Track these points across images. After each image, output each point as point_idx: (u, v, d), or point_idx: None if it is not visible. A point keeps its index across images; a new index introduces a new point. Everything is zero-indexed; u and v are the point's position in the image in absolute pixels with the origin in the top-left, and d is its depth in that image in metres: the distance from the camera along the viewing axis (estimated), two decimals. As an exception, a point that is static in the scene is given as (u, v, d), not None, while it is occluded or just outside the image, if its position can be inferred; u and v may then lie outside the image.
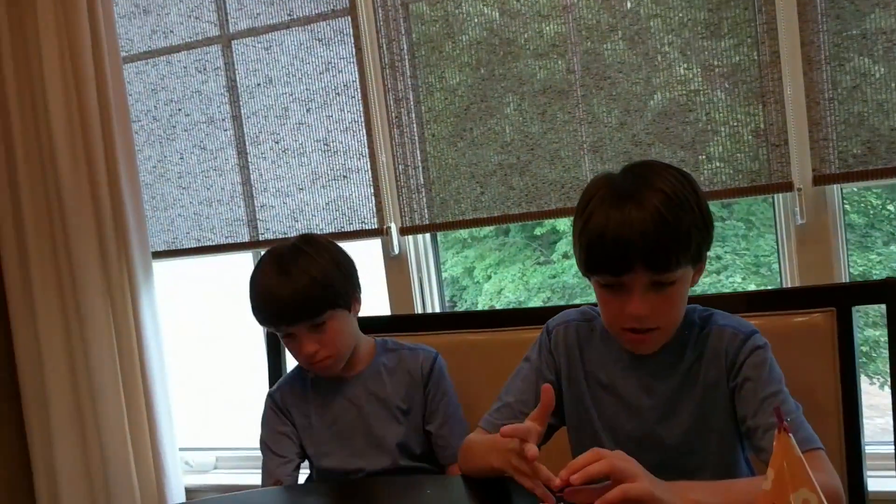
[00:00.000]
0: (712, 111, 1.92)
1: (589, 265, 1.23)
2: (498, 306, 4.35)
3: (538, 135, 2.08)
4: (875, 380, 3.75)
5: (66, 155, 2.39)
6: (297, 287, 1.49)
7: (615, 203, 1.20)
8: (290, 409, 1.64)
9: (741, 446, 1.33)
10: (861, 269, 4.03)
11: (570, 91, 2.04)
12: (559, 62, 2.05)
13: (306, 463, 1.68)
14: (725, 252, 4.15)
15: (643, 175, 1.23)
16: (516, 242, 4.69)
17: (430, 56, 2.18)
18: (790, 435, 0.71)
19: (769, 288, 3.18)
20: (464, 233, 4.27)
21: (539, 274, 4.54)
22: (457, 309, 4.65)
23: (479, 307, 4.39)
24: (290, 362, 1.72)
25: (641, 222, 1.17)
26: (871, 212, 4.04)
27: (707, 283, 3.87)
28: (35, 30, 2.37)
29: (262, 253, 1.61)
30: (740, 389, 1.26)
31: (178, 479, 2.49)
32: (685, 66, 1.94)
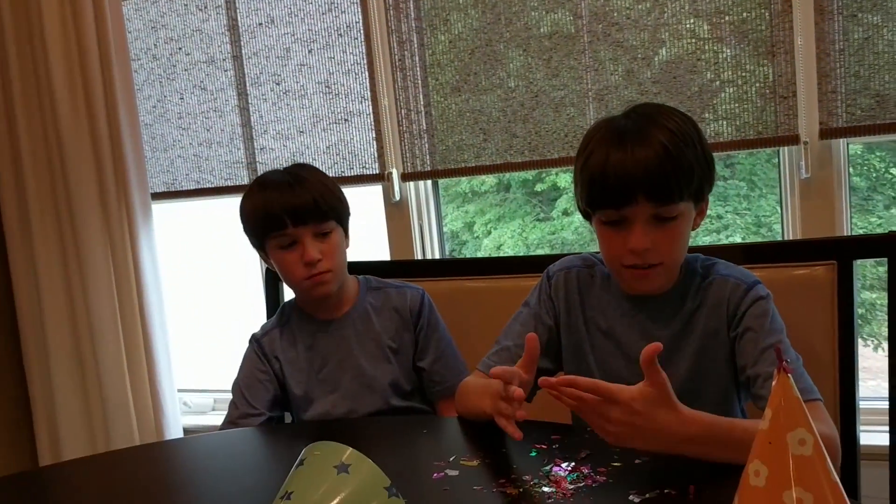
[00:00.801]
0: (721, 62, 1.89)
1: (590, 201, 1.24)
2: (497, 258, 4.32)
3: (542, 82, 2.05)
4: (869, 342, 3.76)
5: (65, 94, 2.36)
6: (311, 188, 1.52)
7: (617, 141, 1.21)
8: (277, 356, 1.61)
9: (738, 397, 1.34)
10: (861, 231, 4.02)
11: (577, 37, 2.00)
12: (566, 8, 2.01)
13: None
14: (727, 211, 4.15)
15: (647, 114, 1.24)
16: (517, 198, 4.69)
17: (436, -2, 2.13)
18: (789, 376, 0.70)
19: (770, 240, 3.18)
20: (464, 187, 4.24)
21: (539, 230, 4.54)
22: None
23: (480, 261, 4.39)
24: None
25: (644, 155, 1.18)
26: (874, 175, 4.02)
27: (707, 242, 3.87)
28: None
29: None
30: (741, 339, 1.26)
31: (177, 420, 2.51)
32: (693, 15, 1.90)
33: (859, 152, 3.65)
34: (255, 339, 1.64)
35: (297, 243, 1.52)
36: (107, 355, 2.44)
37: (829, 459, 0.70)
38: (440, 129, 2.18)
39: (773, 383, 0.71)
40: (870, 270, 3.68)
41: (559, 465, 1.09)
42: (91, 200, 2.39)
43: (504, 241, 4.53)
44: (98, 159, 2.37)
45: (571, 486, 1.03)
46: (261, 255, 1.62)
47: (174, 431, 2.48)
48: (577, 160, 1.27)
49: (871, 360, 3.53)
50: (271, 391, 1.60)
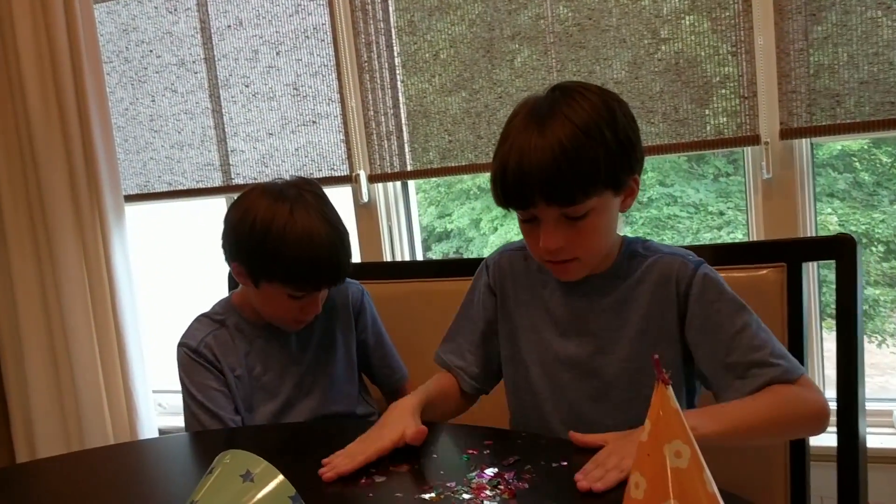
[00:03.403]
0: (681, 60, 1.88)
1: (496, 199, 1.22)
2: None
3: (506, 81, 2.04)
4: (874, 338, 3.75)
5: (37, 96, 2.37)
6: (348, 251, 1.47)
7: (524, 129, 1.17)
8: (219, 360, 1.53)
9: (686, 384, 1.30)
10: (864, 227, 4.00)
11: (540, 38, 2.00)
12: (528, 10, 2.00)
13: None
14: (728, 208, 4.13)
15: (558, 100, 1.19)
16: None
17: (401, -1, 2.13)
18: (668, 387, 0.70)
19: (718, 242, 3.16)
20: (469, 184, 4.24)
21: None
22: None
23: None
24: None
25: (540, 156, 1.13)
26: (881, 170, 3.98)
27: (707, 239, 3.86)
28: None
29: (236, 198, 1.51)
30: (700, 327, 1.23)
31: (152, 421, 2.52)
32: (655, 16, 1.89)
33: (866, 147, 3.62)
34: (194, 350, 1.54)
35: (306, 296, 1.47)
36: (81, 355, 2.45)
37: (706, 470, 0.70)
38: (407, 130, 2.18)
39: (653, 395, 0.71)
40: (874, 267, 3.65)
41: (483, 472, 1.09)
42: (64, 202, 2.40)
43: (511, 237, 4.52)
44: (70, 161, 2.38)
45: (490, 493, 1.02)
46: (236, 269, 1.51)
47: (148, 432, 2.49)
48: (498, 142, 1.23)
49: (877, 356, 3.51)
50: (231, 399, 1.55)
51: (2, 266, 2.50)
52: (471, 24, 2.06)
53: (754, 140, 1.84)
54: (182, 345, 1.55)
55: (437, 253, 4.32)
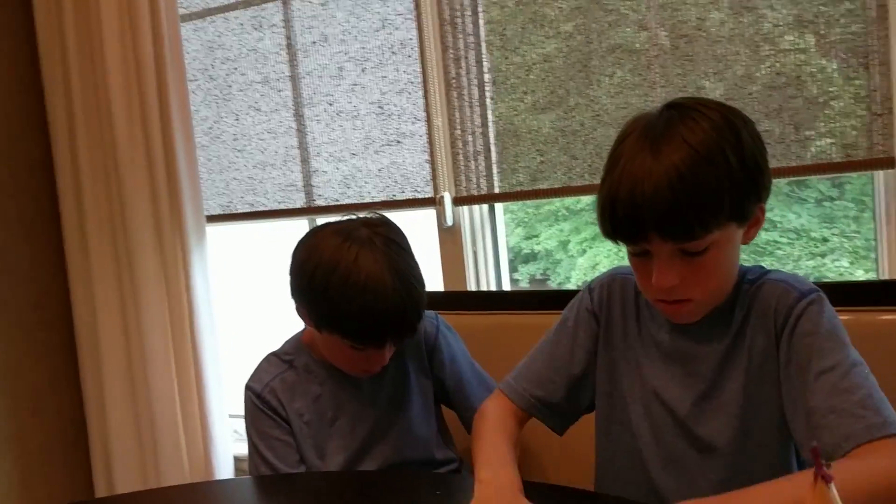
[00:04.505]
0: (801, 75, 1.69)
1: (604, 230, 1.06)
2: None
3: (603, 99, 1.89)
4: None
5: (123, 114, 2.34)
6: (418, 316, 1.32)
7: (636, 153, 1.01)
8: (285, 407, 1.43)
9: (793, 444, 1.10)
10: None
11: (641, 52, 1.84)
12: (630, 20, 1.84)
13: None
14: (833, 234, 3.86)
15: (674, 120, 1.03)
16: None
17: (492, 11, 2.01)
18: (831, 486, 0.54)
19: (857, 279, 2.88)
20: (558, 205, 4.09)
21: None
22: (527, 286, 4.49)
23: (573, 282, 4.23)
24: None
25: (654, 185, 0.98)
26: None
27: (810, 267, 3.59)
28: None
29: (318, 222, 1.40)
30: (787, 363, 1.05)
31: (227, 447, 2.45)
32: (767, 23, 1.71)
33: None
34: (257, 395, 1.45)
35: (369, 349, 1.35)
36: (158, 380, 2.40)
37: None
38: (495, 151, 2.04)
39: (809, 493, 0.55)
40: None
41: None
42: (146, 222, 2.36)
43: (599, 260, 4.33)
44: (153, 181, 2.34)
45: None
46: (298, 311, 1.40)
47: (223, 458, 2.42)
48: (605, 169, 1.08)
49: None
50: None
51: (86, 287, 2.48)
52: (566, 37, 1.92)
53: (889, 163, 1.63)
54: (248, 388, 1.46)
55: (523, 275, 4.16)
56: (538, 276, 4.18)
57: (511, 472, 1.10)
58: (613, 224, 1.04)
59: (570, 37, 1.91)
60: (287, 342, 1.50)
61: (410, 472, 1.41)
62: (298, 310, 1.38)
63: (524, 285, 3.91)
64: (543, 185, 1.98)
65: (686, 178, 0.98)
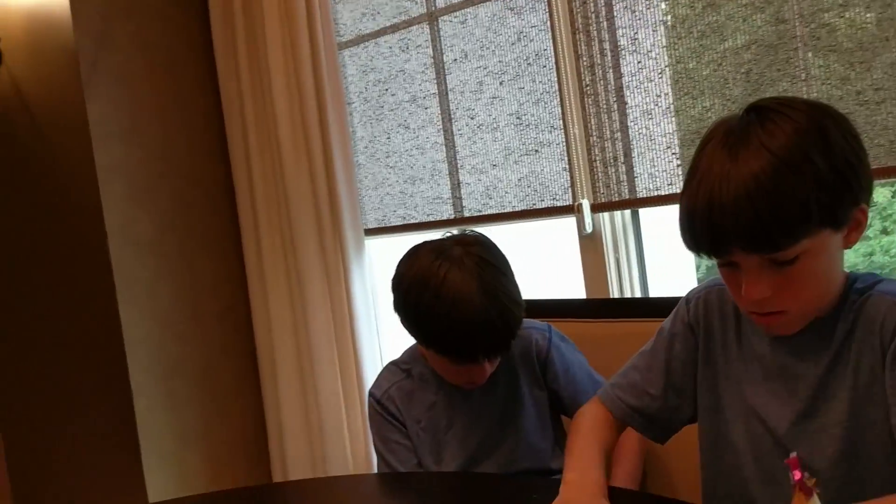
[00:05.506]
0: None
1: (686, 243, 1.03)
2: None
3: (742, 98, 1.81)
4: None
5: (288, 139, 2.56)
6: (511, 333, 1.36)
7: (714, 162, 0.98)
8: (402, 412, 1.51)
9: None
10: None
11: (780, 45, 1.74)
12: (768, 10, 1.76)
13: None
14: None
15: (753, 124, 0.98)
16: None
17: (624, 17, 1.99)
18: (814, 497, 0.52)
19: None
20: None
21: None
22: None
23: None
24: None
25: (733, 196, 0.94)
26: None
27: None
28: (262, 24, 2.56)
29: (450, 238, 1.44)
30: (891, 377, 0.98)
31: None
32: (927, 2, 1.56)
33: None
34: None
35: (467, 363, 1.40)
36: (324, 381, 2.60)
37: None
38: (634, 156, 2.02)
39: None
40: None
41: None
42: (311, 238, 2.57)
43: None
44: (316, 200, 2.54)
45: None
46: (410, 331, 1.45)
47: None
48: (686, 176, 1.05)
49: None
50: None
51: (262, 297, 2.73)
52: (700, 35, 1.86)
53: None
54: (370, 394, 1.56)
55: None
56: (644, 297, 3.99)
57: (596, 475, 1.10)
58: (694, 238, 1.01)
59: (702, 35, 1.85)
60: (406, 351, 1.58)
61: (523, 478, 1.44)
62: (402, 323, 1.46)
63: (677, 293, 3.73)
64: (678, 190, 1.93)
65: (766, 187, 0.94)
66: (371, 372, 2.55)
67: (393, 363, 1.58)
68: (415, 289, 1.35)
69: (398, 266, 1.44)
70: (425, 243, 1.43)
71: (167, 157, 2.70)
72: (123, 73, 2.61)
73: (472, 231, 1.45)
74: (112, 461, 2.72)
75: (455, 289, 1.31)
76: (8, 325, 3.07)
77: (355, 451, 2.59)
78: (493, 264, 1.36)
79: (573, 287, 2.26)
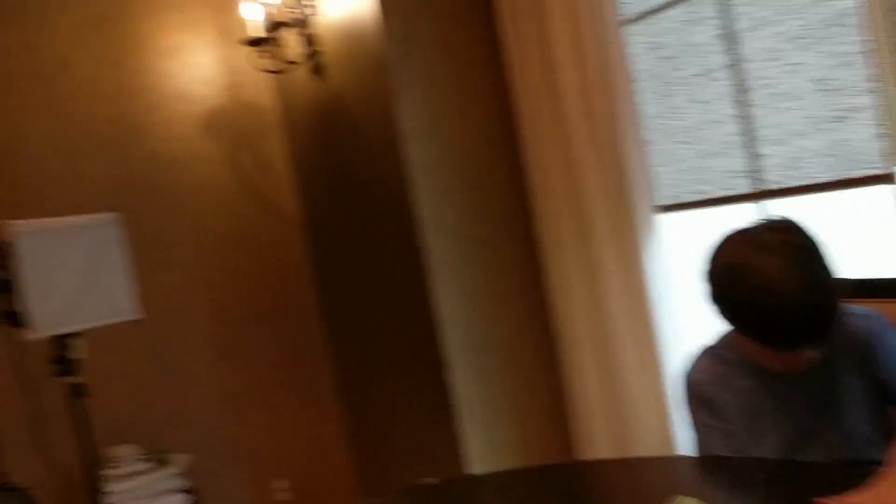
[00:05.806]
0: None
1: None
2: None
3: None
4: None
5: (578, 123, 2.64)
6: (813, 299, 1.31)
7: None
8: (715, 398, 1.52)
9: None
10: None
11: None
12: None
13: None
14: None
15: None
16: None
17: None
18: None
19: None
20: None
21: None
22: None
23: None
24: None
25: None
26: None
27: None
28: (548, 17, 2.65)
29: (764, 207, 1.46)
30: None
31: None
32: None
33: None
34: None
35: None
36: (623, 356, 2.66)
37: None
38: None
39: None
40: None
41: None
42: (603, 217, 2.64)
43: None
44: (605, 178, 2.60)
45: None
46: (715, 311, 1.45)
47: (682, 433, 2.57)
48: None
49: None
50: None
51: (559, 276, 2.85)
52: None
53: None
54: (686, 378, 1.60)
55: None
56: None
57: None
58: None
59: None
60: (721, 338, 1.60)
61: (843, 467, 1.40)
62: (719, 314, 1.46)
63: None
64: None
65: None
66: (671, 349, 2.56)
67: (709, 349, 1.60)
68: (728, 279, 1.36)
69: (709, 258, 1.45)
70: (735, 232, 1.42)
71: (466, 150, 2.91)
72: (426, 74, 2.85)
73: (781, 217, 1.42)
74: (432, 430, 3.02)
75: (772, 277, 1.30)
76: (343, 309, 3.52)
77: (659, 432, 2.62)
78: (808, 250, 1.33)
79: (887, 265, 2.08)
